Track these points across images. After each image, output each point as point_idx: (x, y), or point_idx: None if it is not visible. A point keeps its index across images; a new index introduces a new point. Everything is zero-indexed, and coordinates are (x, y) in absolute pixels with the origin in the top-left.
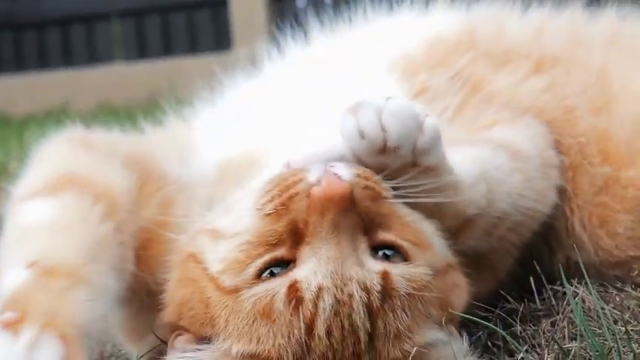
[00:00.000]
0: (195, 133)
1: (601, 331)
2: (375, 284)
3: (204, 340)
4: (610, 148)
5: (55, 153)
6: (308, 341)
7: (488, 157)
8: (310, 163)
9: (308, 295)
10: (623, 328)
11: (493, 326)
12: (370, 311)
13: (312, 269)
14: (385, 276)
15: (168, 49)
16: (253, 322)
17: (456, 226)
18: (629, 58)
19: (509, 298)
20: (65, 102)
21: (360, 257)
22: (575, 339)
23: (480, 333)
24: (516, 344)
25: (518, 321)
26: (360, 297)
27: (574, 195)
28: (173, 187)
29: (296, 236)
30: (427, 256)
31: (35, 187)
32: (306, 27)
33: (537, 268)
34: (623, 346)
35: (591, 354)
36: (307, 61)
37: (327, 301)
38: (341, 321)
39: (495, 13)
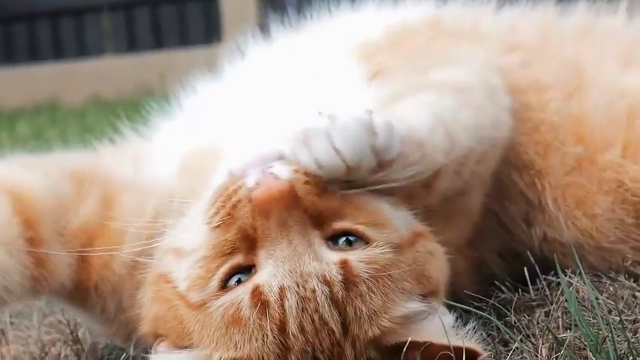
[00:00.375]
0: (154, 143)
1: (595, 320)
2: (336, 275)
3: (185, 348)
4: (584, 131)
5: None
6: (284, 340)
7: (434, 101)
8: (248, 168)
9: (272, 298)
10: (617, 318)
11: (487, 315)
12: (336, 302)
13: (271, 272)
14: (344, 264)
15: (158, 42)
16: (226, 331)
17: (428, 178)
18: (602, 51)
19: (503, 288)
20: (55, 95)
21: (316, 251)
22: (570, 329)
23: (475, 323)
24: (511, 334)
25: (512, 311)
26: (323, 291)
27: (545, 173)
28: (116, 185)
29: (248, 242)
30: (386, 233)
31: None
32: (295, 20)
33: (531, 258)
34: (618, 336)
35: (586, 343)
36: (270, 59)
37: (291, 300)
38: (310, 316)
39: (467, 11)
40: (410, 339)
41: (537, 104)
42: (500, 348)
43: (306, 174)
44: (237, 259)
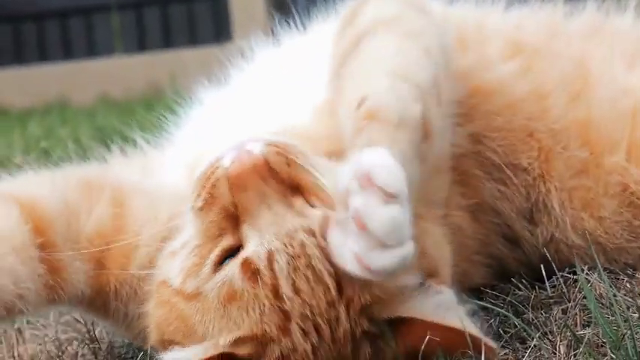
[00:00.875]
0: (165, 152)
1: (613, 318)
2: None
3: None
4: (590, 134)
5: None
6: (281, 305)
7: (376, 52)
8: (226, 151)
9: (262, 264)
10: (636, 315)
11: (505, 312)
12: (327, 253)
13: (257, 242)
14: (327, 220)
15: (167, 41)
16: (224, 311)
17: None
18: (608, 51)
19: (520, 286)
20: (64, 95)
21: (298, 210)
22: (588, 326)
23: (492, 320)
24: (529, 331)
25: (529, 308)
26: (311, 242)
27: (549, 176)
28: (126, 190)
29: (233, 220)
30: None
31: None
32: (304, 19)
33: (548, 255)
34: (637, 333)
35: (604, 341)
36: (276, 62)
37: (281, 261)
38: (304, 274)
39: (475, 10)
40: (402, 314)
41: (531, 114)
42: (518, 345)
43: (277, 145)
44: (227, 241)
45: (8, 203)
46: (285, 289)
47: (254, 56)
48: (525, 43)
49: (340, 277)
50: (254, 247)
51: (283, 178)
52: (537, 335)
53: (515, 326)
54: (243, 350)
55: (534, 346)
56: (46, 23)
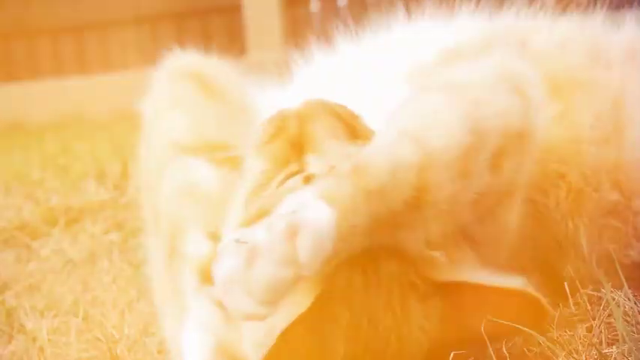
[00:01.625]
0: None
1: (639, 336)
2: None
3: None
4: (621, 176)
5: (187, 102)
6: None
7: (408, 110)
8: None
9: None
10: None
11: (530, 331)
12: None
13: (321, 163)
14: None
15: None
16: None
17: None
18: None
19: None
20: (80, 109)
21: (360, 144)
22: (613, 344)
23: (516, 338)
24: (554, 349)
25: (554, 326)
26: None
27: (579, 215)
28: None
29: (298, 150)
30: None
31: (184, 142)
32: (322, 33)
33: (570, 272)
34: None
35: (630, 359)
36: (330, 72)
37: None
38: None
39: (519, 25)
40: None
41: (563, 157)
42: None
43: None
44: (292, 168)
45: None
46: None
47: (314, 61)
48: (565, 73)
49: None
50: (318, 168)
51: (348, 124)
52: (563, 354)
53: (540, 345)
54: None
55: None
56: (61, 38)
